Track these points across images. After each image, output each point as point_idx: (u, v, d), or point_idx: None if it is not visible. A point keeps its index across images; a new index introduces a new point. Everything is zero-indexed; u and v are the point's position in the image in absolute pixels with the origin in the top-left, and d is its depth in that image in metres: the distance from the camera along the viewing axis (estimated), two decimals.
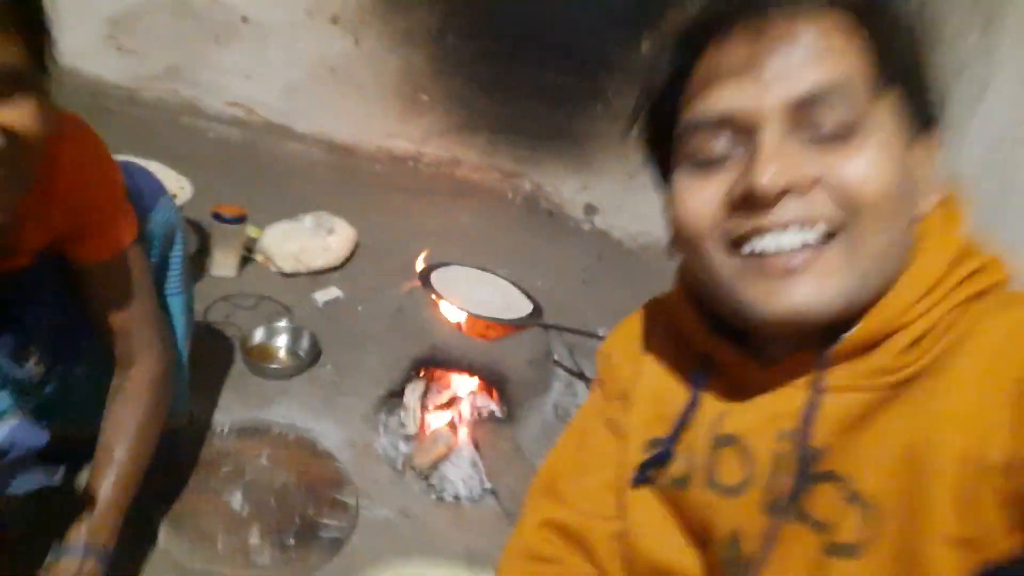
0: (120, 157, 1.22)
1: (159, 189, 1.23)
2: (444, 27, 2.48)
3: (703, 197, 0.65)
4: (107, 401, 1.18)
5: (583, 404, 0.95)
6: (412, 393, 1.78)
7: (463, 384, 1.83)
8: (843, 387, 0.65)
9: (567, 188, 2.66)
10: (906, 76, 0.63)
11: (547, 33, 2.42)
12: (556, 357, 1.95)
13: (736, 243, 0.64)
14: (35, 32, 0.83)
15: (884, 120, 0.61)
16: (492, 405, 1.81)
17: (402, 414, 1.76)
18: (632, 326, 0.89)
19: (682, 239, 0.69)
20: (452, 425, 1.75)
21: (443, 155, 2.67)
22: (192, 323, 1.38)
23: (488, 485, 1.63)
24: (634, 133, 0.75)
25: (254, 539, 1.28)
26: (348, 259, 2.22)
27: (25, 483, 0.95)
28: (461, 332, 1.86)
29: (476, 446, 1.72)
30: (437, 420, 1.76)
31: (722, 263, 0.65)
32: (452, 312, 1.85)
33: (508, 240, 2.43)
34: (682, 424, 0.76)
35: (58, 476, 0.99)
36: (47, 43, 0.86)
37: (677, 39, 0.68)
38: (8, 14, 0.77)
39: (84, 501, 1.10)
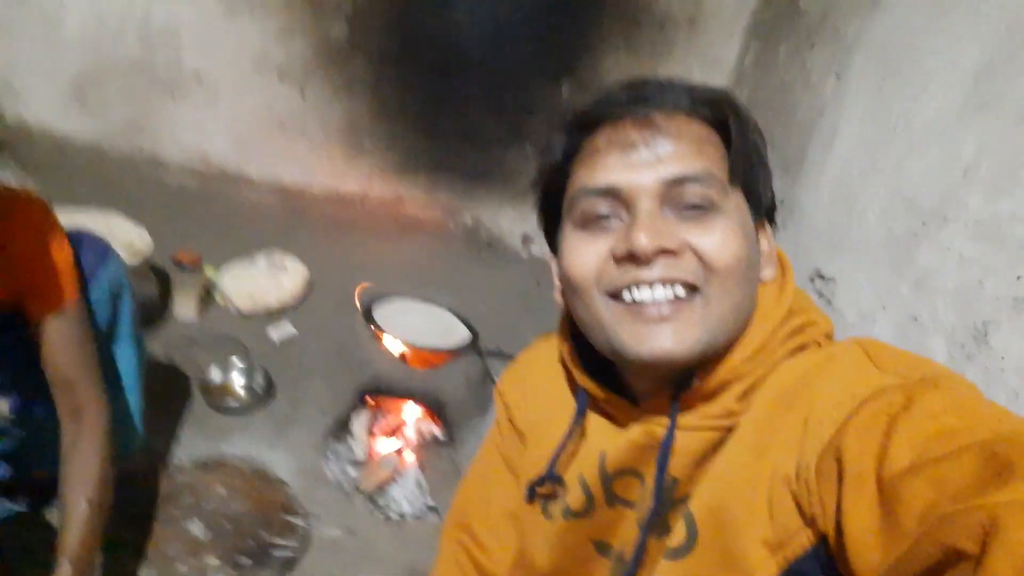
0: (84, 211, 1.34)
1: (106, 250, 1.32)
2: (380, 78, 2.56)
3: (590, 252, 0.74)
4: (64, 454, 1.21)
5: (485, 439, 1.01)
6: (358, 421, 1.91)
7: (407, 410, 1.97)
8: (691, 427, 0.73)
9: (505, 220, 2.76)
10: (750, 176, 0.74)
11: (473, 82, 2.53)
12: (496, 379, 2.10)
13: (616, 293, 0.72)
14: None
15: (734, 206, 0.72)
16: (435, 428, 1.95)
17: (350, 441, 1.89)
18: (523, 363, 0.98)
19: (571, 287, 0.76)
20: (398, 450, 1.89)
21: (387, 194, 2.73)
22: (144, 366, 1.45)
23: (431, 503, 1.74)
24: (533, 203, 0.83)
25: (212, 561, 1.39)
26: (302, 297, 2.31)
27: None
28: (404, 362, 2.01)
29: (421, 467, 1.86)
30: (384, 445, 1.89)
31: (605, 308, 0.73)
32: (394, 343, 1.99)
33: (451, 271, 2.53)
34: (559, 452, 0.83)
35: (23, 504, 1.08)
36: None
37: (572, 123, 0.77)
38: None
39: (60, 561, 1.14)
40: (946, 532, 0.49)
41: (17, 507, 1.08)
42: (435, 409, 1.94)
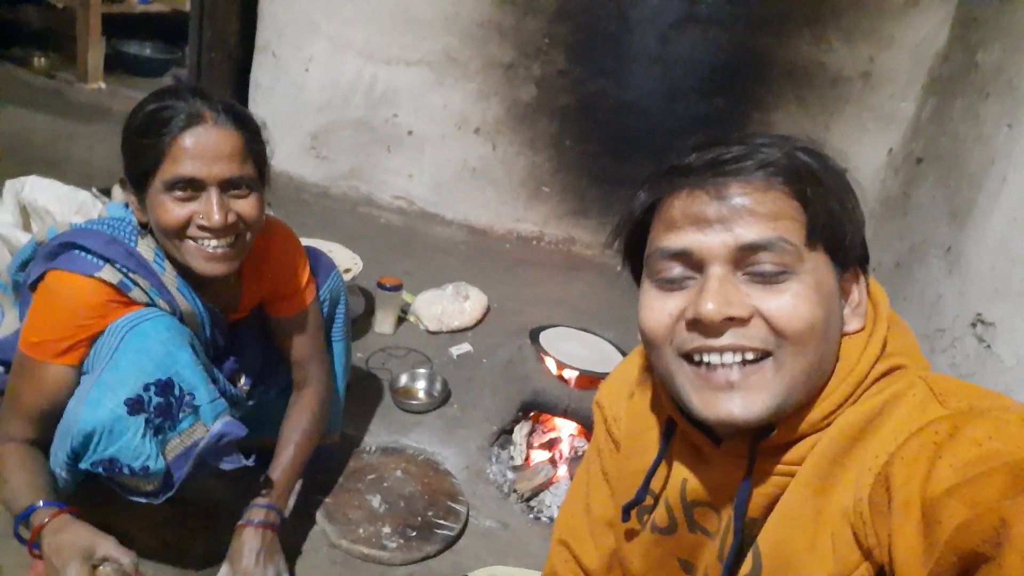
0: (311, 239, 1.61)
1: (330, 266, 1.56)
2: (561, 134, 2.74)
3: (663, 310, 0.73)
4: (287, 410, 1.48)
5: (587, 451, 1.04)
6: (520, 431, 2.01)
7: (563, 427, 2.06)
8: (768, 472, 0.73)
9: None
10: (831, 236, 0.71)
11: (645, 136, 2.63)
12: None
13: (687, 355, 0.71)
14: (261, 157, 1.25)
15: (811, 268, 0.69)
16: (587, 446, 2.02)
17: (511, 448, 2.01)
18: (620, 375, 0.97)
19: (645, 341, 0.76)
20: (552, 461, 1.97)
21: (561, 235, 2.87)
22: (349, 361, 1.68)
23: None
24: (615, 245, 0.83)
25: (386, 529, 1.54)
26: (480, 320, 2.46)
27: (231, 462, 1.23)
28: (563, 382, 2.10)
29: (572, 479, 1.92)
30: (540, 455, 1.99)
31: (677, 367, 0.72)
32: (555, 365, 2.09)
33: (614, 307, 2.57)
34: (650, 477, 0.84)
35: (251, 460, 1.27)
36: (266, 167, 1.27)
37: (656, 179, 0.76)
38: (246, 148, 1.19)
39: (268, 477, 1.39)
40: (964, 539, 0.50)
41: (248, 462, 1.26)
42: (588, 428, 2.00)
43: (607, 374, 2.04)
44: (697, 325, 0.69)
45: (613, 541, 0.95)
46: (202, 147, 1.12)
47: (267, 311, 1.44)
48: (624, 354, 2.21)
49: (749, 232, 0.69)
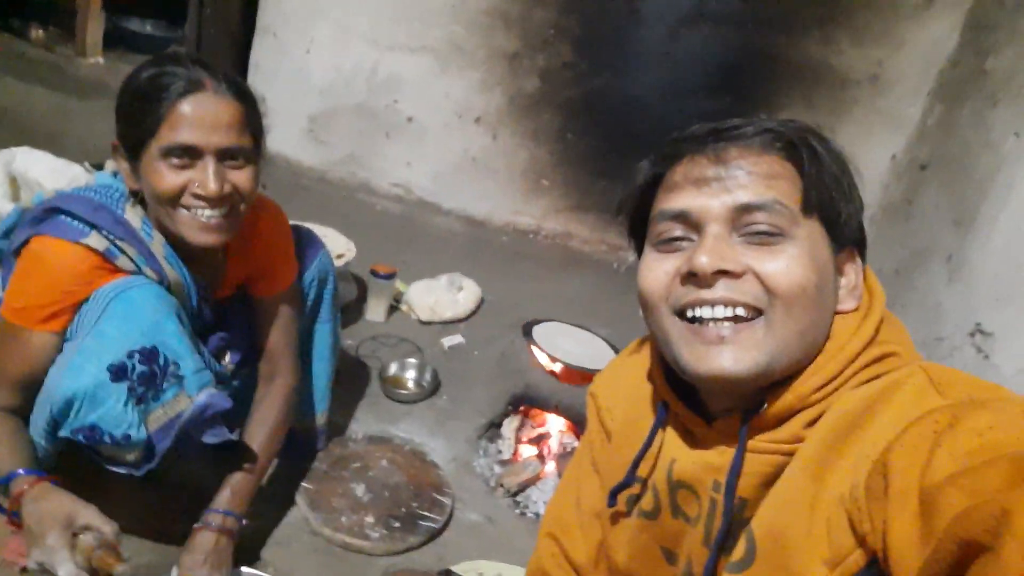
0: (306, 224, 1.58)
1: (319, 244, 1.53)
2: (564, 128, 2.72)
3: (660, 270, 0.76)
4: (253, 406, 1.42)
5: (579, 444, 1.05)
6: (509, 426, 1.99)
7: (553, 422, 2.05)
8: (759, 450, 0.74)
9: None
10: (827, 207, 0.74)
11: (649, 132, 2.59)
12: None
13: (681, 311, 0.74)
14: (258, 130, 1.22)
15: (806, 235, 0.72)
16: (576, 443, 2.00)
17: (499, 441, 1.99)
18: (616, 367, 0.99)
19: (642, 302, 0.79)
20: (541, 456, 1.96)
21: (559, 230, 2.85)
22: (338, 344, 1.65)
23: None
24: (621, 216, 0.86)
25: (369, 519, 1.53)
26: (473, 312, 2.44)
27: (215, 435, 1.21)
28: (555, 378, 2.08)
29: (559, 476, 1.91)
30: (529, 451, 1.98)
31: (671, 324, 0.75)
32: (547, 360, 2.08)
33: (610, 304, 2.56)
34: (639, 459, 0.85)
35: (236, 434, 1.25)
36: (262, 138, 1.24)
37: (656, 155, 0.81)
38: (245, 119, 1.16)
39: (227, 479, 1.33)
40: (963, 527, 0.49)
41: (232, 436, 1.25)
42: (577, 424, 1.99)
43: (600, 371, 2.05)
44: (691, 278, 0.72)
45: (601, 534, 0.95)
46: (201, 115, 1.10)
47: (249, 291, 1.41)
48: (618, 351, 2.20)
49: (745, 193, 0.72)
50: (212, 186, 1.12)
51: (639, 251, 0.84)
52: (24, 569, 1.08)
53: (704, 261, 0.70)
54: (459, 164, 2.94)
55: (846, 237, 0.76)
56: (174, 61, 1.12)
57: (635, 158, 0.84)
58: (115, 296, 1.13)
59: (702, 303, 0.72)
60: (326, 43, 2.94)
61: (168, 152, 1.10)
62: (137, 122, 1.11)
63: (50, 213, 1.15)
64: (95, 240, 1.14)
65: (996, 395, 0.62)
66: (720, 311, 0.71)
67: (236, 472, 1.34)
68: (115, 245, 1.16)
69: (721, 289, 0.71)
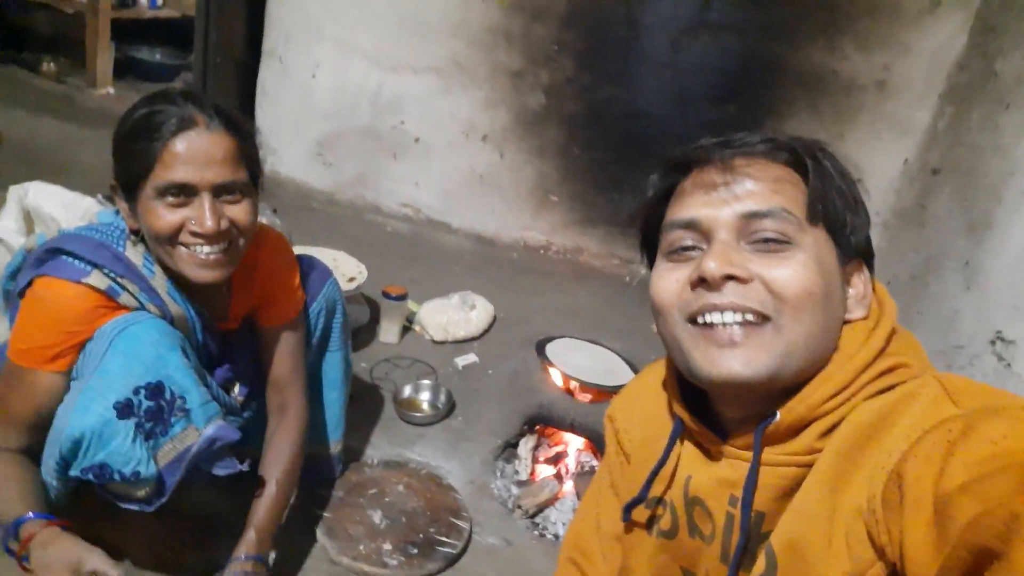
0: (317, 247, 1.58)
1: (326, 273, 1.53)
2: (570, 142, 2.71)
3: (672, 278, 0.78)
4: (266, 440, 1.41)
5: (598, 468, 1.04)
6: (525, 445, 1.97)
7: (570, 441, 2.03)
8: (775, 462, 0.74)
9: None
10: (833, 217, 0.75)
11: (655, 143, 2.59)
12: None
13: (693, 317, 0.75)
14: (253, 162, 1.22)
15: (812, 242, 0.74)
16: (594, 461, 1.99)
17: (516, 462, 1.98)
18: (633, 389, 1.00)
19: (655, 311, 0.80)
20: (558, 476, 1.94)
21: (568, 245, 2.84)
22: (350, 371, 1.65)
23: None
24: (633, 230, 0.88)
25: (387, 546, 1.52)
26: (486, 331, 2.43)
27: (225, 467, 1.21)
28: (570, 395, 2.07)
29: (578, 495, 1.89)
30: (546, 470, 1.96)
31: (683, 330, 0.76)
32: (562, 378, 2.07)
33: (622, 318, 2.55)
34: (654, 475, 0.85)
35: (246, 465, 1.25)
36: (259, 172, 1.24)
37: (669, 165, 0.83)
38: (239, 153, 1.16)
39: (250, 520, 1.32)
40: (975, 533, 0.49)
41: (242, 467, 1.24)
42: (594, 442, 1.98)
43: (615, 387, 2.05)
44: (701, 283, 0.74)
45: (621, 558, 0.95)
46: (194, 152, 1.10)
47: (255, 321, 1.41)
48: (632, 366, 2.19)
49: (752, 201, 0.74)
50: (209, 223, 1.12)
51: (651, 264, 0.85)
52: None
53: (713, 266, 0.72)
54: (467, 182, 2.94)
55: (853, 248, 0.77)
56: (165, 99, 1.13)
57: (641, 169, 0.85)
58: (118, 333, 1.14)
59: (712, 308, 0.74)
60: (330, 65, 2.96)
61: (163, 191, 1.11)
62: (131, 162, 1.12)
63: (52, 254, 1.16)
64: (96, 279, 1.14)
65: (1011, 403, 0.62)
66: (730, 316, 0.73)
67: (257, 511, 1.33)
68: (117, 283, 1.17)
69: (730, 294, 0.73)
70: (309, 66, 2.97)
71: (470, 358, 2.32)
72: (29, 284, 1.16)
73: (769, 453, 0.75)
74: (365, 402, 1.98)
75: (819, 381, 0.73)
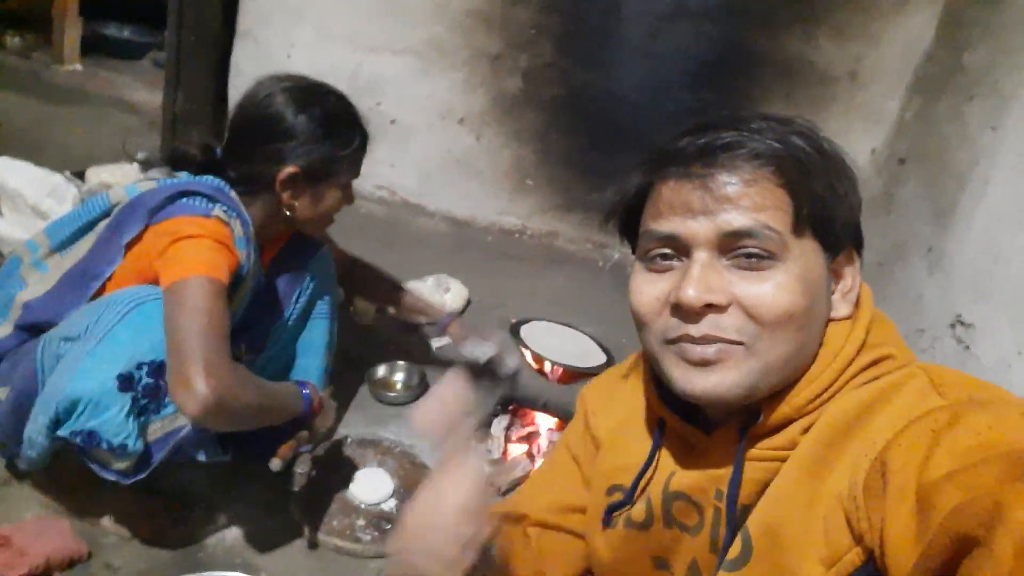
0: None
1: (318, 245, 1.66)
2: (547, 127, 2.72)
3: (650, 294, 0.76)
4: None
5: (558, 440, 1.05)
6: (498, 425, 2.01)
7: (542, 421, 2.06)
8: (759, 457, 0.74)
9: None
10: (820, 222, 0.72)
11: (632, 129, 2.61)
12: None
13: (669, 340, 0.74)
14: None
15: (797, 255, 0.71)
16: None
17: (489, 442, 2.00)
18: (612, 376, 0.99)
19: (635, 320, 0.79)
20: (530, 455, 1.97)
21: (544, 229, 2.85)
22: (334, 341, 1.72)
23: None
24: (610, 223, 0.85)
25: (360, 522, 1.54)
26: (460, 313, 2.44)
27: (209, 454, 1.25)
28: (543, 377, 2.10)
29: None
30: (518, 449, 1.99)
31: (660, 349, 0.76)
32: (535, 359, 2.09)
33: (596, 302, 2.56)
34: (640, 477, 0.85)
35: (228, 456, 1.28)
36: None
37: (646, 163, 0.79)
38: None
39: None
40: (957, 521, 0.50)
41: (224, 457, 1.28)
42: (566, 422, 2.00)
43: (588, 368, 2.08)
44: (678, 310, 0.72)
45: (575, 520, 0.95)
46: None
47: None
48: (606, 349, 2.23)
49: (733, 219, 0.70)
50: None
51: (633, 249, 0.83)
52: None
53: (691, 295, 0.70)
54: (443, 165, 2.94)
55: (843, 240, 0.76)
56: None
57: (619, 155, 0.84)
58: (134, 306, 1.17)
59: (689, 340, 0.72)
60: (307, 46, 2.93)
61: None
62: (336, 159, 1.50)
63: (171, 200, 1.24)
64: (220, 212, 1.25)
65: (997, 396, 0.63)
66: (703, 349, 0.72)
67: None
68: (231, 221, 1.28)
69: (706, 326, 0.71)
70: (285, 46, 2.94)
71: (444, 340, 2.32)
72: (139, 236, 1.23)
73: (752, 450, 0.75)
74: (339, 381, 1.98)
75: (805, 382, 0.73)
